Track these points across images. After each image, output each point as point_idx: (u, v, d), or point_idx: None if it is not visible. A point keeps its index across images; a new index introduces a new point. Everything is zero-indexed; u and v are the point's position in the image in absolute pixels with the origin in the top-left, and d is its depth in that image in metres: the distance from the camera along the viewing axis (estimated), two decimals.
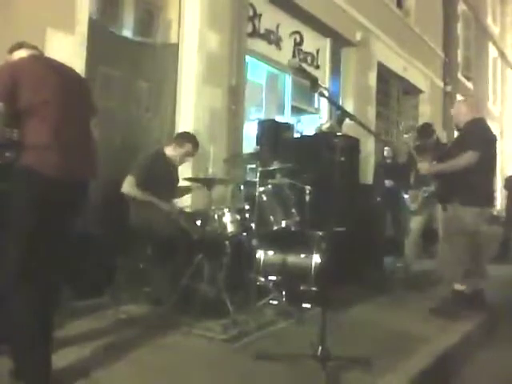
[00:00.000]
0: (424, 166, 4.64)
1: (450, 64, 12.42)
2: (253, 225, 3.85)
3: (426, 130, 6.18)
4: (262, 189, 3.88)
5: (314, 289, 3.95)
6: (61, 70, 2.48)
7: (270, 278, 4.05)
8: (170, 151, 4.21)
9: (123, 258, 3.88)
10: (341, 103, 7.78)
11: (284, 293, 3.91)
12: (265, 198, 3.90)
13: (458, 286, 4.18)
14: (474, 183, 4.08)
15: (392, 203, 6.84)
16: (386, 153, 7.50)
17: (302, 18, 7.29)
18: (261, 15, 6.61)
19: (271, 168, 4.30)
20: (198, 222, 3.99)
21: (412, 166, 5.51)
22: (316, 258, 4.03)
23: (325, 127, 5.98)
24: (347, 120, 2.98)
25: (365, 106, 8.67)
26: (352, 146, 5.63)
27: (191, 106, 5.26)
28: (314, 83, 2.73)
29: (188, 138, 4.30)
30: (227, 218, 3.83)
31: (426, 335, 3.40)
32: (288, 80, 7.34)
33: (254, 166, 4.28)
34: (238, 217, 3.89)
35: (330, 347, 2.62)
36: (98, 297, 3.77)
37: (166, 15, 5.43)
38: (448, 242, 4.32)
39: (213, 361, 2.81)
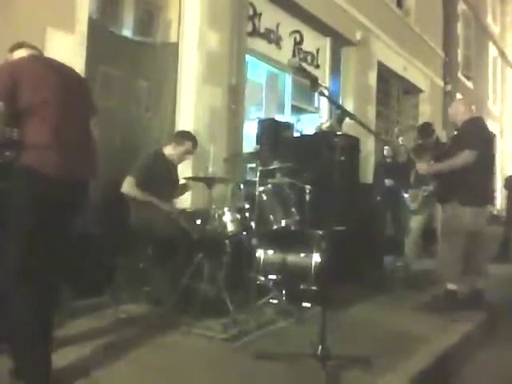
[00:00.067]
0: (422, 167, 4.65)
1: (450, 63, 12.41)
2: (253, 224, 3.85)
3: (426, 129, 6.19)
4: (261, 188, 3.88)
5: (313, 288, 3.96)
6: (61, 70, 2.48)
7: (270, 277, 4.06)
8: (169, 150, 4.21)
9: (123, 258, 3.88)
10: (341, 102, 7.78)
11: (284, 292, 3.91)
12: (265, 198, 3.90)
13: (451, 286, 4.19)
14: (472, 182, 4.09)
15: (392, 202, 6.84)
16: (385, 152, 7.50)
17: (302, 18, 7.28)
18: (261, 14, 6.61)
19: (271, 167, 4.31)
20: (198, 222, 3.99)
21: (412, 165, 5.52)
22: (316, 257, 4.03)
23: (325, 126, 5.98)
24: (347, 119, 2.98)
25: (365, 105, 8.67)
26: (352, 145, 5.63)
27: (191, 106, 5.26)
28: (314, 82, 2.72)
29: (187, 136, 4.31)
30: (227, 217, 3.83)
31: (426, 335, 3.40)
32: (288, 79, 7.33)
33: (254, 165, 4.28)
34: (238, 216, 3.89)
35: (330, 346, 2.62)
36: (98, 296, 3.77)
37: (165, 14, 5.42)
38: (447, 241, 4.32)
39: (213, 360, 2.81)
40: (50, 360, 2.27)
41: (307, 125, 7.46)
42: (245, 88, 5.98)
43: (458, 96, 12.12)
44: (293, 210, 3.98)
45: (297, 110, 7.58)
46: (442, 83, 12.11)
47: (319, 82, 2.80)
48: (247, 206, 4.02)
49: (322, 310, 2.69)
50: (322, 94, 2.82)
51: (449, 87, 12.17)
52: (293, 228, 3.99)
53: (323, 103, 7.93)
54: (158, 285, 3.79)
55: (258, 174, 3.81)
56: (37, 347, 2.25)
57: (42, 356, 2.25)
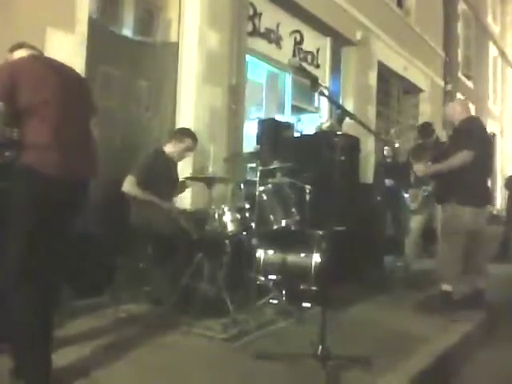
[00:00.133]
0: (420, 168, 4.65)
1: (451, 63, 12.41)
2: (253, 224, 3.84)
3: (426, 129, 6.20)
4: (262, 188, 3.88)
5: (313, 288, 3.96)
6: (61, 70, 2.48)
7: (270, 277, 4.06)
8: (169, 148, 4.21)
9: (123, 258, 3.88)
10: (341, 102, 7.77)
11: (284, 292, 3.91)
12: (265, 197, 3.90)
13: (446, 287, 4.19)
14: (470, 182, 4.10)
15: (392, 202, 6.83)
16: (386, 152, 7.49)
17: (302, 17, 7.28)
18: (261, 14, 6.60)
19: (271, 167, 4.30)
20: (198, 221, 3.99)
21: (412, 165, 5.51)
22: (316, 257, 4.03)
23: (325, 126, 5.98)
24: (347, 119, 2.98)
25: (365, 105, 8.67)
26: (352, 145, 5.63)
27: (191, 105, 5.26)
28: (314, 82, 2.72)
29: (187, 132, 4.32)
30: (227, 217, 3.82)
31: (426, 335, 3.40)
32: (288, 79, 7.33)
33: (254, 165, 4.28)
34: (238, 216, 3.89)
35: (330, 346, 2.62)
36: (98, 296, 3.77)
37: (165, 14, 5.42)
38: (447, 241, 4.33)
39: (213, 360, 2.81)
40: (50, 360, 2.27)
41: (307, 125, 7.46)
42: (245, 88, 5.98)
43: (459, 96, 12.13)
44: (293, 209, 3.98)
45: (297, 109, 7.57)
46: (442, 83, 12.11)
47: (319, 81, 2.80)
48: (247, 205, 4.02)
49: (322, 310, 2.69)
50: (322, 93, 2.82)
51: (449, 87, 12.17)
52: (293, 228, 3.98)
53: (323, 103, 7.93)
54: (157, 285, 3.79)
55: (258, 173, 3.81)
56: (37, 347, 2.25)
57: (42, 356, 2.25)
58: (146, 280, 3.84)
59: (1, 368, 2.30)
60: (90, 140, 2.54)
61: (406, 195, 6.04)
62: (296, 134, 6.40)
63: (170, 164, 4.24)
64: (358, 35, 8.22)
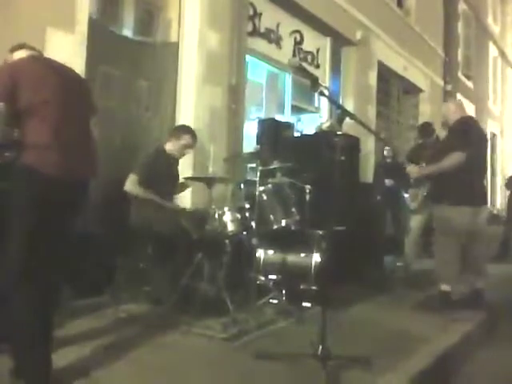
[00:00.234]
0: (413, 170, 4.66)
1: (451, 63, 12.41)
2: (253, 224, 3.85)
3: (426, 129, 6.20)
4: (262, 188, 3.88)
5: (314, 288, 3.95)
6: (60, 70, 2.49)
7: (270, 276, 4.06)
8: (169, 146, 4.22)
9: (123, 258, 3.88)
10: (341, 102, 7.78)
11: (284, 292, 3.91)
12: (265, 197, 3.90)
13: (445, 287, 4.19)
14: (464, 182, 4.10)
15: (392, 202, 6.84)
16: (386, 152, 7.50)
17: (302, 17, 7.28)
18: (261, 14, 6.60)
19: (271, 167, 4.31)
20: (198, 221, 3.99)
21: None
22: (316, 257, 4.03)
23: (325, 126, 5.98)
24: (347, 119, 2.98)
25: (365, 105, 8.67)
26: (352, 145, 5.63)
27: (191, 105, 5.26)
28: (315, 82, 2.72)
29: (184, 129, 4.32)
30: (227, 217, 3.82)
31: (426, 335, 3.40)
32: (288, 79, 7.33)
33: (254, 165, 4.28)
34: (239, 216, 3.89)
35: (330, 346, 2.62)
36: (98, 296, 3.77)
37: (165, 14, 5.42)
38: (441, 242, 4.32)
39: (212, 360, 2.81)
40: (50, 360, 2.27)
41: (307, 125, 7.46)
42: (245, 88, 5.98)
43: (458, 96, 12.12)
44: (293, 209, 3.98)
45: (297, 109, 7.57)
46: (442, 83, 12.12)
47: (319, 81, 2.79)
48: (247, 205, 4.02)
49: (322, 310, 2.69)
50: (322, 93, 2.81)
51: (449, 87, 12.17)
52: (293, 228, 3.98)
53: (323, 103, 7.92)
54: (158, 284, 3.79)
55: (258, 173, 3.81)
56: (37, 347, 2.26)
57: (42, 356, 2.25)
58: (146, 280, 3.85)
59: (1, 368, 2.30)
60: (90, 140, 2.54)
61: (406, 195, 6.04)
62: (296, 134, 6.40)
63: (172, 162, 4.25)
64: (358, 35, 8.22)
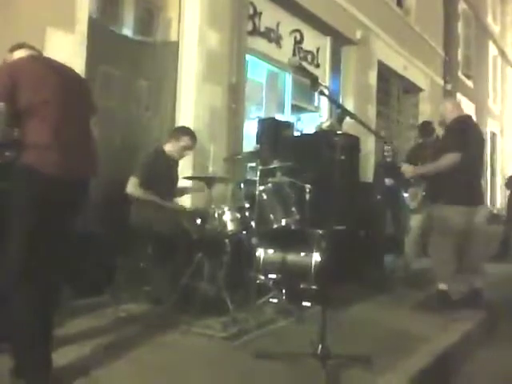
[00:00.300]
0: (408, 169, 4.66)
1: (450, 62, 12.40)
2: (253, 223, 3.85)
3: (426, 128, 6.20)
4: (262, 187, 3.88)
5: (313, 287, 3.96)
6: (60, 70, 2.49)
7: (270, 276, 4.06)
8: (169, 147, 4.22)
9: (123, 257, 3.88)
10: (341, 102, 7.78)
11: (284, 291, 3.91)
12: (265, 197, 3.91)
13: (443, 286, 4.19)
14: (460, 182, 4.10)
15: (392, 201, 6.83)
16: (385, 151, 7.49)
17: (302, 17, 7.28)
18: (261, 13, 6.60)
19: (271, 166, 4.30)
20: (198, 221, 4.00)
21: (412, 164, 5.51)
22: (316, 257, 4.03)
23: (325, 126, 5.98)
24: (347, 118, 2.98)
25: (365, 104, 8.67)
26: (352, 144, 5.62)
27: (191, 105, 5.26)
28: (314, 82, 2.72)
29: (185, 131, 4.31)
30: (227, 217, 3.82)
31: (425, 334, 3.40)
32: (288, 78, 7.33)
33: (254, 164, 4.28)
34: (238, 215, 3.89)
35: (330, 345, 2.62)
36: (98, 296, 3.77)
37: (165, 14, 5.42)
38: (437, 241, 4.32)
39: (212, 359, 2.81)
40: (51, 359, 2.28)
41: (307, 124, 7.46)
42: (245, 87, 5.98)
43: (458, 95, 12.13)
44: (293, 209, 3.98)
45: (297, 109, 7.57)
46: (442, 82, 12.11)
47: (319, 81, 2.80)
48: (247, 205, 4.02)
49: (322, 310, 2.69)
50: (322, 93, 2.81)
51: (449, 86, 12.17)
52: (293, 227, 3.99)
53: (323, 102, 7.92)
54: (158, 284, 3.80)
55: (258, 173, 3.81)
56: (37, 347, 2.26)
57: (42, 355, 2.26)
58: (145, 280, 3.85)
59: (1, 368, 2.30)
60: (90, 140, 2.54)
61: (406, 194, 6.04)
62: (296, 134, 6.40)
63: (171, 163, 4.25)
64: (358, 34, 8.22)
